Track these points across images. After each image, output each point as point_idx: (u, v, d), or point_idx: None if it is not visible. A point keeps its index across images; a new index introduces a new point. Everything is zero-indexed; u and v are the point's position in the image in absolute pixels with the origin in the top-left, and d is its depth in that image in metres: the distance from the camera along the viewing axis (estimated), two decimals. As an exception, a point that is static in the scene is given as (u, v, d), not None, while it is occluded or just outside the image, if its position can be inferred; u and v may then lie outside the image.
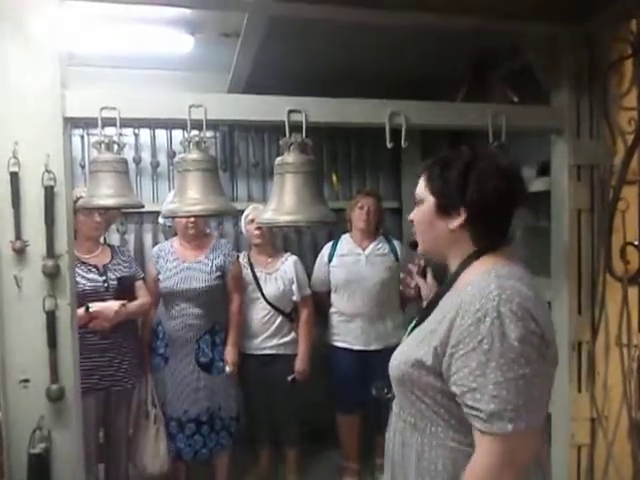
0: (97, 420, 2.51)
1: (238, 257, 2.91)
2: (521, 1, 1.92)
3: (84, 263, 2.47)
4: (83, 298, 2.36)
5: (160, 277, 2.76)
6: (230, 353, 2.75)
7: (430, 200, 1.20)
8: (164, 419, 2.70)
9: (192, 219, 2.67)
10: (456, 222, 1.16)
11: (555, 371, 1.12)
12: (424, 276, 1.65)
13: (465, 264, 1.17)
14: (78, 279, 2.36)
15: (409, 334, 1.25)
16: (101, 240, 2.66)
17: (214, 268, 2.74)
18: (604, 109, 2.19)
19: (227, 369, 2.73)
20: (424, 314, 1.22)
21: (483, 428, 1.02)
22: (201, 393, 2.71)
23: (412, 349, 1.16)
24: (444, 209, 1.17)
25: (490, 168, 1.16)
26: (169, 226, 2.97)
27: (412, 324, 1.27)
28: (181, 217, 2.58)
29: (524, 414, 1.01)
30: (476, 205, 1.15)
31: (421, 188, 1.23)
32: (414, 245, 1.30)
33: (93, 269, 2.50)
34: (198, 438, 2.73)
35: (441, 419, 1.13)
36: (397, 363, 1.20)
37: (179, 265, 2.74)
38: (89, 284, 2.46)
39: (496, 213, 1.17)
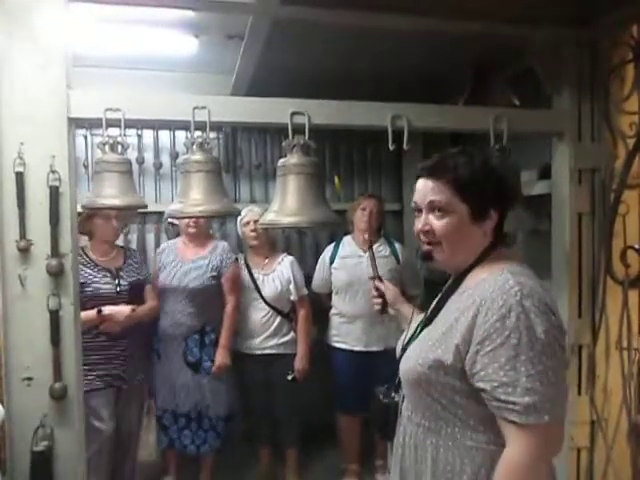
0: (109, 416, 2.52)
1: (237, 259, 2.93)
2: (523, 6, 1.93)
3: (97, 265, 2.51)
4: (95, 301, 2.39)
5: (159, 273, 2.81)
6: (220, 354, 2.76)
7: (462, 209, 1.15)
8: (156, 411, 2.76)
9: (194, 218, 2.69)
10: (489, 225, 1.17)
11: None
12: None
13: (475, 263, 1.18)
14: (91, 282, 2.41)
15: (416, 336, 1.23)
16: (116, 242, 2.69)
17: (210, 268, 2.78)
18: (605, 113, 2.20)
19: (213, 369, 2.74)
20: (431, 315, 1.22)
21: (520, 420, 1.02)
22: (189, 391, 2.76)
23: (427, 350, 1.14)
24: (480, 215, 1.16)
25: (497, 167, 1.22)
26: (173, 225, 3.01)
27: (418, 325, 1.27)
28: (184, 218, 2.61)
29: (556, 405, 1.03)
30: (506, 204, 1.20)
31: (443, 197, 1.15)
32: (427, 257, 1.21)
33: (107, 273, 2.53)
34: (187, 433, 2.79)
35: (458, 419, 1.12)
36: (412, 365, 1.17)
37: (177, 262, 2.79)
38: (102, 287, 2.49)
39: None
